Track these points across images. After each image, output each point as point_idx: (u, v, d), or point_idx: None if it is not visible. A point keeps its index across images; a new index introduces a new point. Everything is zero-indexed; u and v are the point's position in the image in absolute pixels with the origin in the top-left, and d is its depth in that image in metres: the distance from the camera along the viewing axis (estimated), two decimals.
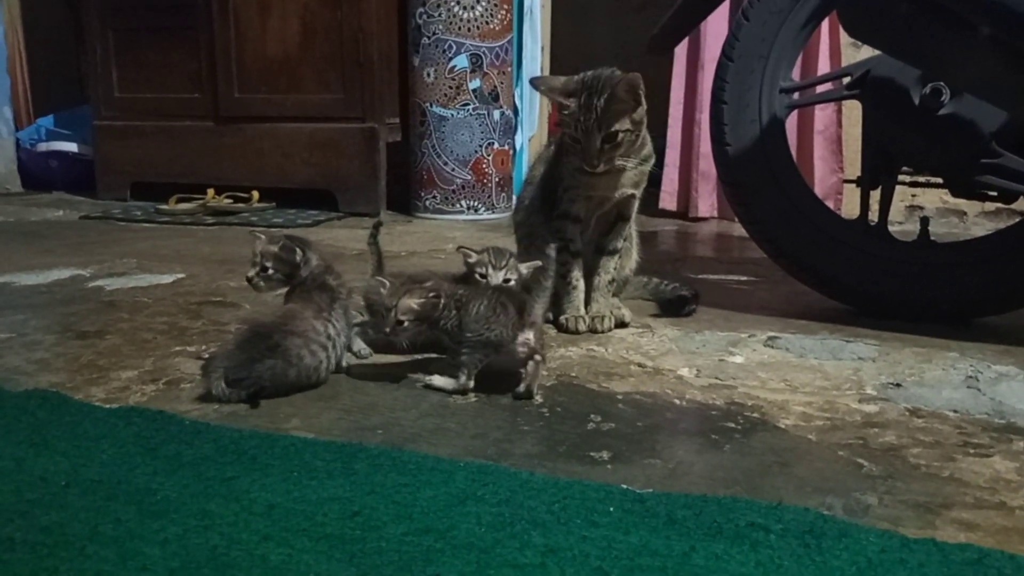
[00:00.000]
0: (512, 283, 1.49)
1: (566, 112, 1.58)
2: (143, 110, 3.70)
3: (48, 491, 0.96)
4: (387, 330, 1.33)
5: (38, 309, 1.85)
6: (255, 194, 3.45)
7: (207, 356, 1.36)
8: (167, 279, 2.16)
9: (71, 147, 4.01)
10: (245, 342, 1.28)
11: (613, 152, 1.58)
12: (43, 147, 4.04)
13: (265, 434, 1.14)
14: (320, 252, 1.46)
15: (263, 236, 1.43)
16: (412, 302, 1.32)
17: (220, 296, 1.98)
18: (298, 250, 1.41)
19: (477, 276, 1.49)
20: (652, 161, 1.69)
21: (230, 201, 3.41)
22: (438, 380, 1.35)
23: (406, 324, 1.32)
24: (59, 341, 1.60)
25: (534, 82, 1.74)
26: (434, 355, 1.47)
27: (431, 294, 1.33)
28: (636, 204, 1.75)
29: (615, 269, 1.77)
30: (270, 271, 1.40)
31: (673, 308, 1.85)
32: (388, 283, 1.37)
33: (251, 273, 1.40)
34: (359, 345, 1.50)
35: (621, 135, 1.56)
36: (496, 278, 1.48)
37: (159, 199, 3.48)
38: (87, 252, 2.54)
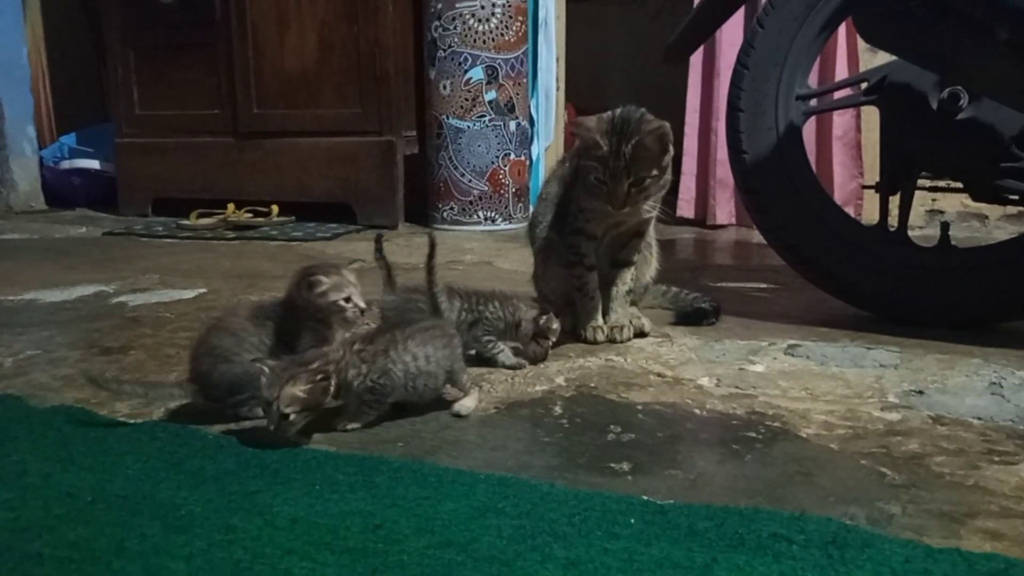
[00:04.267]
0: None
1: (598, 152, 1.58)
2: (164, 127, 3.74)
3: (75, 506, 0.98)
4: (271, 428, 1.15)
5: (63, 325, 1.87)
6: (274, 208, 3.48)
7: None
8: (189, 294, 2.19)
9: (93, 164, 4.07)
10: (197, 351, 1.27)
11: (639, 196, 1.59)
12: (66, 165, 4.10)
13: (287, 448, 1.15)
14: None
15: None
16: (296, 390, 1.14)
17: None
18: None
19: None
20: (668, 185, 1.69)
21: (250, 216, 3.44)
22: (467, 404, 1.30)
23: (292, 417, 1.14)
24: (84, 357, 1.62)
25: (573, 127, 1.75)
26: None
27: (319, 376, 1.17)
28: (652, 221, 1.75)
29: (632, 279, 1.77)
30: None
31: (691, 319, 1.85)
32: (267, 369, 1.16)
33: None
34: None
35: (648, 180, 1.58)
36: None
37: (180, 215, 3.52)
38: (110, 268, 2.57)
